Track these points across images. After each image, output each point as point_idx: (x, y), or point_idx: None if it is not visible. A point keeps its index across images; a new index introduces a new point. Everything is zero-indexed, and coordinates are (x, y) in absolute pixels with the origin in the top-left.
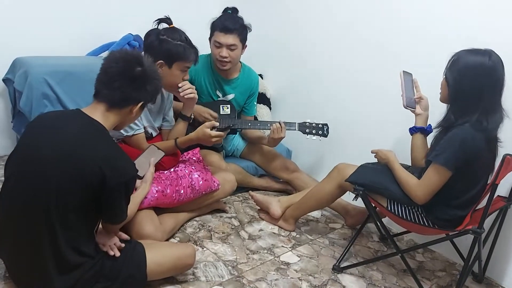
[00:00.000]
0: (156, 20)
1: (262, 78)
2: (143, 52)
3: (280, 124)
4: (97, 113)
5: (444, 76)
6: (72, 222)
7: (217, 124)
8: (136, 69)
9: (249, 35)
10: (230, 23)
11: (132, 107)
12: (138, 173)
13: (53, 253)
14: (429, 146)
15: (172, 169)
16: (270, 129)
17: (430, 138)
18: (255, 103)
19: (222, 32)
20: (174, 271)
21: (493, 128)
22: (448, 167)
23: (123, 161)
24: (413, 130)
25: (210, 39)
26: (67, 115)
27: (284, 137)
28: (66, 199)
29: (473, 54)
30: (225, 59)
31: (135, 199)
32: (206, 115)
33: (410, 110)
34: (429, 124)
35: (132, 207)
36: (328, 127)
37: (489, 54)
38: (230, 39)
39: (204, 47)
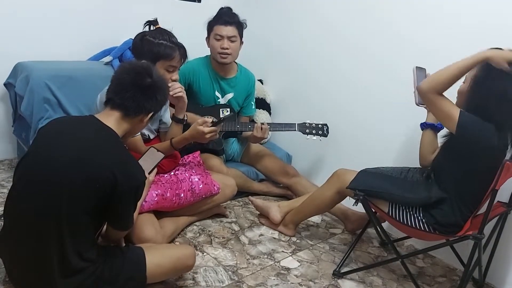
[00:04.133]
0: (145, 23)
1: (262, 83)
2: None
3: (262, 125)
4: (111, 120)
5: (463, 82)
6: (80, 227)
7: (209, 120)
8: (147, 80)
9: (249, 41)
10: (228, 17)
11: (143, 117)
12: None
13: (58, 257)
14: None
15: (172, 173)
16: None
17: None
18: (253, 102)
19: (222, 25)
20: (174, 272)
21: (505, 141)
22: (462, 115)
23: (134, 167)
24: (424, 126)
25: (207, 38)
26: (80, 121)
27: (265, 138)
28: (78, 204)
29: (503, 71)
30: (226, 51)
31: None
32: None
33: (423, 106)
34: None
35: None
36: (327, 127)
37: None
38: (230, 30)
39: (204, 51)
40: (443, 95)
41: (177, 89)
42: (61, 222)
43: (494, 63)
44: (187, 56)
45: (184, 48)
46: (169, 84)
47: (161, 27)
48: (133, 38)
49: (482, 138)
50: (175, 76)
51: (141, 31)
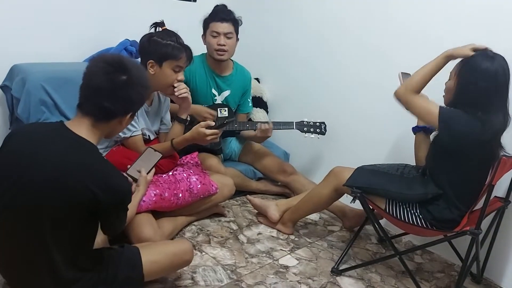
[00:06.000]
0: (152, 25)
1: (259, 82)
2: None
3: (268, 125)
4: (83, 128)
5: (449, 79)
6: (69, 243)
7: (213, 123)
8: (121, 78)
9: (245, 40)
10: (224, 14)
11: (121, 119)
12: (135, 176)
13: (51, 278)
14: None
15: (170, 173)
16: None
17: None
18: (249, 100)
19: (218, 22)
20: (172, 268)
21: (491, 128)
22: (442, 109)
23: (115, 179)
24: (415, 129)
25: (204, 35)
26: (49, 134)
27: (270, 136)
28: (61, 223)
29: (478, 58)
30: (223, 47)
31: (132, 202)
32: (205, 115)
33: None
34: None
35: (130, 209)
36: (325, 125)
37: (492, 57)
38: (227, 27)
39: (201, 50)
40: (420, 95)
41: (182, 89)
42: (48, 243)
43: (461, 56)
44: (192, 57)
45: (190, 50)
46: (175, 85)
47: (167, 28)
48: (128, 39)
49: (469, 132)
50: (181, 76)
51: (148, 32)
